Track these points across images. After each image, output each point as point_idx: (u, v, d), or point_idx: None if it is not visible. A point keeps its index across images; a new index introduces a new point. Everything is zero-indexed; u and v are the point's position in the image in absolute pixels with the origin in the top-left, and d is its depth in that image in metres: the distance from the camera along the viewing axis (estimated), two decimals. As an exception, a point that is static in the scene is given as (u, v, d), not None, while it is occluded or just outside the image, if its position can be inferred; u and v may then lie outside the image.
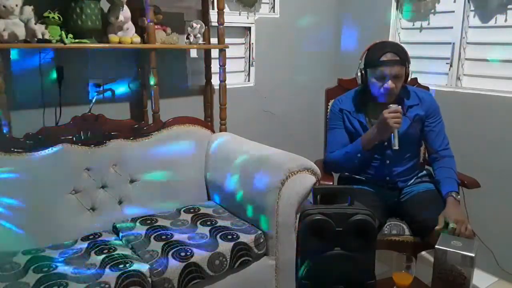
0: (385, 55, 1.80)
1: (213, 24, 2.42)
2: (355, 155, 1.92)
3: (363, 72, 1.90)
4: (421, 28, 2.66)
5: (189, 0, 2.41)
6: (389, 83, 1.81)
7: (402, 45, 1.94)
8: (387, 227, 1.90)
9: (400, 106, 1.81)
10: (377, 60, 1.81)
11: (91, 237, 1.77)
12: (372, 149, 1.91)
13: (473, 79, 2.45)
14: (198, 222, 1.87)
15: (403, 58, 1.83)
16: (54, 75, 2.04)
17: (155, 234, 1.75)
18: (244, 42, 2.76)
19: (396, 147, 1.80)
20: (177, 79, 2.46)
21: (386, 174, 1.97)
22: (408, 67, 1.88)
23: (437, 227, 1.67)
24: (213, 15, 2.39)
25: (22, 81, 1.98)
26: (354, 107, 1.99)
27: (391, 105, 1.80)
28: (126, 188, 1.99)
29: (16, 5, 1.70)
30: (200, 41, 2.31)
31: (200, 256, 1.62)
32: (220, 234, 1.76)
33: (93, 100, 2.15)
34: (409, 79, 1.91)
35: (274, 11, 2.81)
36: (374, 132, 1.85)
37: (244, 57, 2.78)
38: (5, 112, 1.78)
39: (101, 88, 2.18)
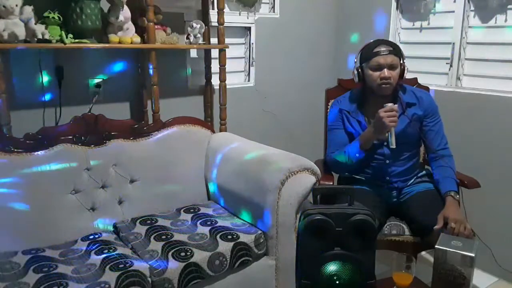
0: (378, 47, 1.86)
1: (213, 24, 2.42)
2: (354, 155, 1.92)
3: (359, 69, 1.92)
4: (421, 28, 2.66)
5: (189, 0, 2.41)
6: (385, 72, 1.84)
7: (401, 45, 1.95)
8: (387, 227, 1.90)
9: (396, 105, 1.82)
10: (370, 52, 1.86)
11: (91, 237, 1.77)
12: (371, 149, 1.92)
13: (473, 79, 2.44)
14: (198, 222, 1.87)
15: (396, 49, 1.87)
16: (54, 75, 2.04)
17: (155, 234, 1.75)
18: (244, 42, 2.76)
19: (393, 146, 1.81)
20: (177, 79, 2.46)
21: (386, 174, 1.97)
22: (403, 61, 1.90)
23: (436, 227, 1.67)
24: (213, 15, 2.39)
25: (22, 81, 1.98)
26: (353, 107, 2.00)
27: (386, 104, 1.81)
28: (126, 188, 1.99)
29: (16, 5, 1.70)
30: (200, 41, 2.31)
31: (200, 256, 1.62)
32: (220, 234, 1.76)
33: (93, 100, 2.15)
34: (405, 74, 1.92)
35: (274, 11, 2.81)
36: (371, 131, 1.87)
37: (244, 57, 2.78)
38: (5, 112, 1.78)
39: (101, 88, 2.18)
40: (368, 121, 1.97)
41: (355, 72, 1.95)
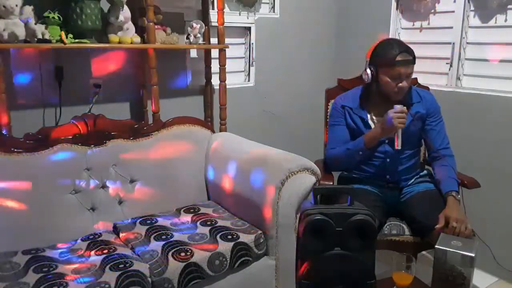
0: (400, 55, 1.81)
1: (213, 24, 2.42)
2: (356, 153, 1.92)
3: (372, 70, 1.90)
4: (421, 28, 2.66)
5: (189, 0, 2.41)
6: (404, 83, 1.83)
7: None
8: (387, 227, 1.90)
9: (405, 107, 1.81)
10: (392, 60, 1.81)
11: (91, 237, 1.77)
12: (373, 147, 1.92)
13: (473, 79, 2.45)
14: (198, 222, 1.87)
15: (414, 57, 1.85)
16: (54, 75, 2.04)
17: (155, 234, 1.75)
18: (244, 42, 2.76)
19: (399, 147, 1.82)
20: (177, 79, 2.46)
21: (386, 172, 1.97)
22: None
23: (437, 226, 1.67)
24: (213, 15, 2.39)
25: (22, 81, 1.98)
26: (356, 104, 1.99)
27: (396, 105, 1.80)
28: (126, 188, 1.99)
29: (16, 5, 1.71)
30: (200, 41, 2.31)
31: (200, 256, 1.62)
32: (220, 234, 1.76)
33: (93, 100, 2.15)
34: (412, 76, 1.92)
35: (274, 11, 2.81)
36: (378, 131, 1.87)
37: (244, 57, 2.78)
38: (5, 112, 1.78)
39: (101, 88, 2.18)
40: (371, 119, 1.97)
41: (368, 71, 1.90)
